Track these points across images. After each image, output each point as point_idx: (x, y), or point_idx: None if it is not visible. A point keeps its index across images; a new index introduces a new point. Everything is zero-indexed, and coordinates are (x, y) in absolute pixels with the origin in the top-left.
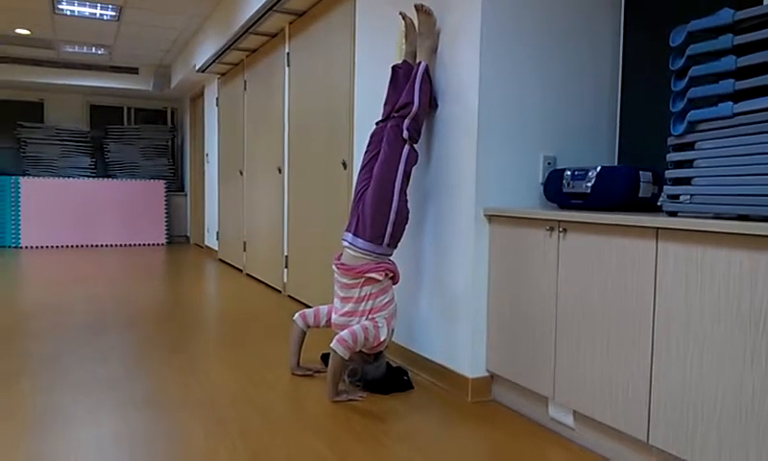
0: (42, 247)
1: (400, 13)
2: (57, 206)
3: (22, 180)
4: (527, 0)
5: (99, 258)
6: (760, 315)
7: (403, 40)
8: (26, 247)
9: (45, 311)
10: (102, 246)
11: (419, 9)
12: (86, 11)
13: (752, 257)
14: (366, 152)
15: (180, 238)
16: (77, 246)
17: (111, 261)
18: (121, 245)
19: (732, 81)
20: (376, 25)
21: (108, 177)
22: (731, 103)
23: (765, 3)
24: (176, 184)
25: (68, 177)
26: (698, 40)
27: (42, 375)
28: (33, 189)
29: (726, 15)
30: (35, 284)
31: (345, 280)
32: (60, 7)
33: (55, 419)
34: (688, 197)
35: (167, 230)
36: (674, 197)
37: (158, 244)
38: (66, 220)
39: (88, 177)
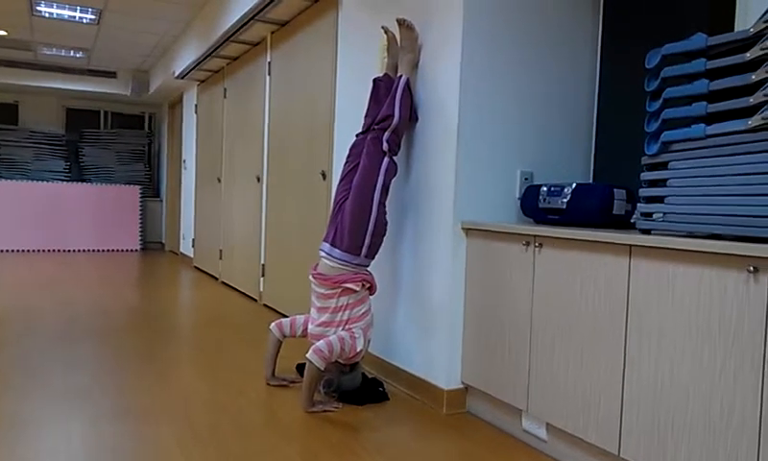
0: (13, 251)
1: (383, 27)
2: (29, 209)
3: None
4: (508, 18)
5: (71, 264)
6: (729, 332)
7: (385, 54)
8: None
9: (14, 317)
10: (75, 251)
11: (401, 23)
12: (65, 13)
13: (722, 275)
14: (345, 163)
15: (154, 245)
16: (49, 250)
17: (84, 267)
18: (94, 250)
19: (704, 103)
20: (358, 38)
21: (83, 181)
22: (703, 125)
23: (737, 30)
24: (151, 190)
25: (42, 180)
26: (672, 63)
27: (10, 383)
28: (5, 192)
29: (699, 40)
30: (4, 289)
31: (321, 290)
32: (38, 9)
33: (23, 429)
34: (661, 215)
35: (141, 236)
36: (647, 215)
37: (132, 250)
38: (39, 224)
39: (62, 181)
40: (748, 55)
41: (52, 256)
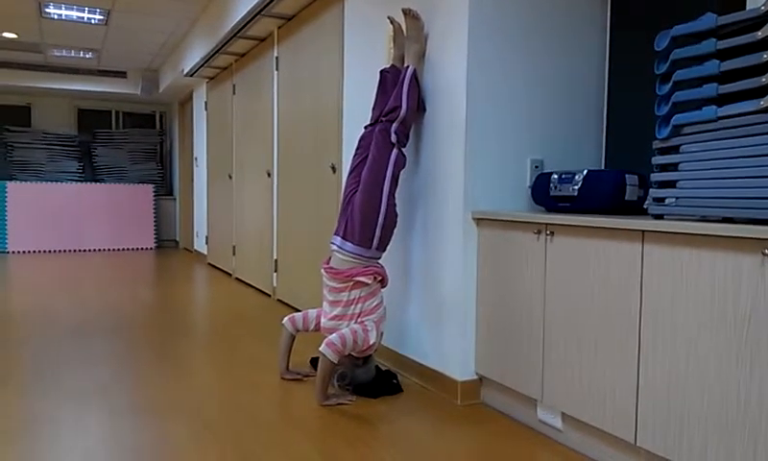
0: (30, 252)
1: (389, 18)
2: (44, 210)
3: (9, 184)
4: (514, 5)
5: (87, 263)
6: (745, 317)
7: (391, 44)
8: (13, 252)
9: (32, 316)
10: (90, 251)
11: (407, 13)
12: (74, 14)
13: (736, 260)
14: (354, 156)
15: (168, 242)
16: (65, 251)
17: (99, 266)
18: (109, 249)
19: (715, 85)
20: (365, 29)
21: (96, 181)
22: (714, 106)
23: (748, 8)
24: (164, 188)
25: (56, 181)
26: (682, 45)
27: (28, 380)
28: (20, 194)
29: (709, 20)
30: (21, 289)
31: (333, 284)
32: (47, 11)
33: (40, 426)
34: (674, 200)
35: (156, 234)
36: (659, 200)
37: (147, 248)
38: (54, 225)
39: (76, 181)
40: (759, 33)
41: (68, 257)
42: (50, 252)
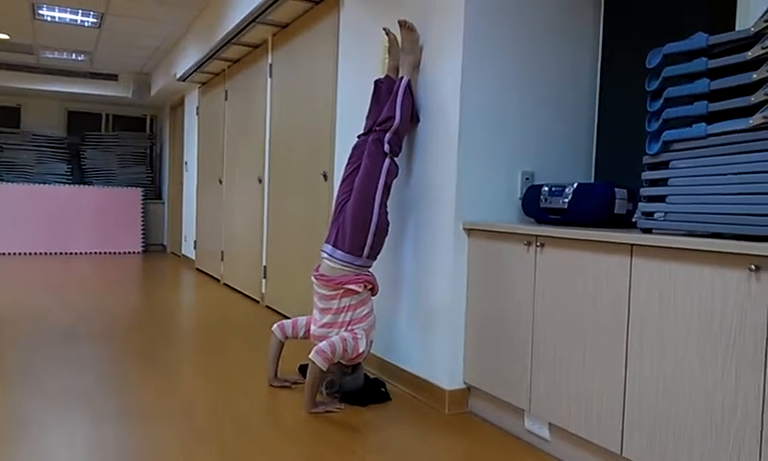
0: (16, 254)
1: (384, 29)
2: (31, 212)
3: None
4: (509, 18)
5: (73, 266)
6: (731, 331)
7: (386, 55)
8: None
9: (17, 319)
10: (77, 254)
11: (402, 25)
12: (67, 17)
13: (724, 274)
14: (347, 164)
15: (156, 247)
16: (51, 253)
17: (86, 269)
18: (96, 253)
19: (705, 103)
20: (360, 39)
21: (85, 184)
22: (704, 124)
23: (737, 29)
24: (153, 192)
25: (44, 183)
26: (673, 63)
27: (12, 385)
28: (7, 195)
29: (700, 40)
30: (6, 291)
31: (324, 291)
32: (40, 12)
33: (25, 431)
34: (662, 214)
35: (144, 238)
36: (648, 214)
37: (134, 252)
38: (41, 227)
39: (64, 183)
40: (749, 54)
41: (54, 259)
42: (36, 254)
